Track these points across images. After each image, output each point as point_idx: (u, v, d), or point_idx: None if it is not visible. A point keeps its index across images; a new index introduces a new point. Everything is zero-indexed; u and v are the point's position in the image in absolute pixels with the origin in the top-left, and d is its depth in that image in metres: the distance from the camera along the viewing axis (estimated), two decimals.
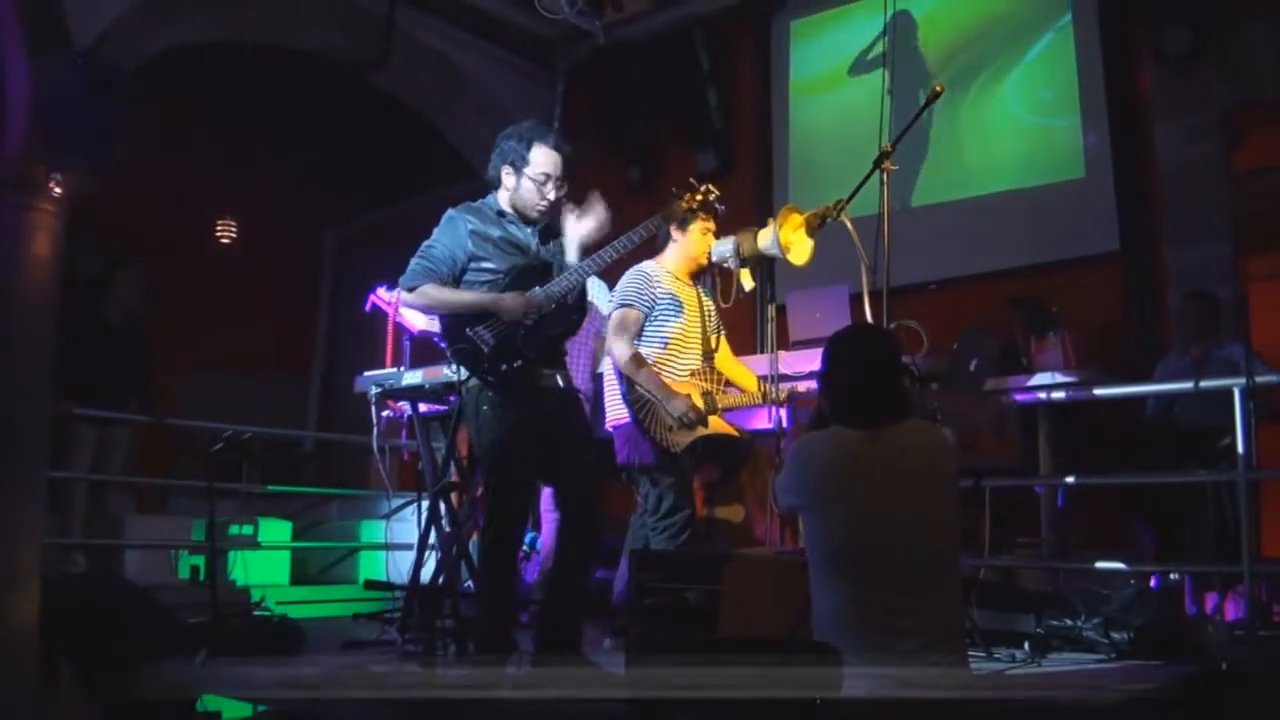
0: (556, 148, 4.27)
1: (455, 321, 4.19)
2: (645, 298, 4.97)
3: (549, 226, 4.34)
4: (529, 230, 4.30)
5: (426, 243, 4.25)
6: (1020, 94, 7.64)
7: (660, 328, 4.99)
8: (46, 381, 6.36)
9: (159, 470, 8.72)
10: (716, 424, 4.98)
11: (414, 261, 4.22)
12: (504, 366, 4.09)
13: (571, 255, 4.27)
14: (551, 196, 4.24)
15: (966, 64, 7.83)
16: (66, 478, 6.78)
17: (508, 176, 4.28)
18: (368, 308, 6.13)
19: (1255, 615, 4.70)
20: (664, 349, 4.97)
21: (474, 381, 4.20)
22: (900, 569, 3.06)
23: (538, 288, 4.15)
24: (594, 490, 4.26)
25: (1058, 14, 7.52)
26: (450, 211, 4.28)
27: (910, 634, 3.01)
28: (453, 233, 4.22)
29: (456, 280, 4.21)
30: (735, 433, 5.06)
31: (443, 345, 4.32)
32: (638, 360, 4.90)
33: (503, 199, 4.32)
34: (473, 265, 4.20)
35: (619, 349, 4.95)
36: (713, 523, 5.20)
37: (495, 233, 4.23)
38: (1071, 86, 7.39)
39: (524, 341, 4.11)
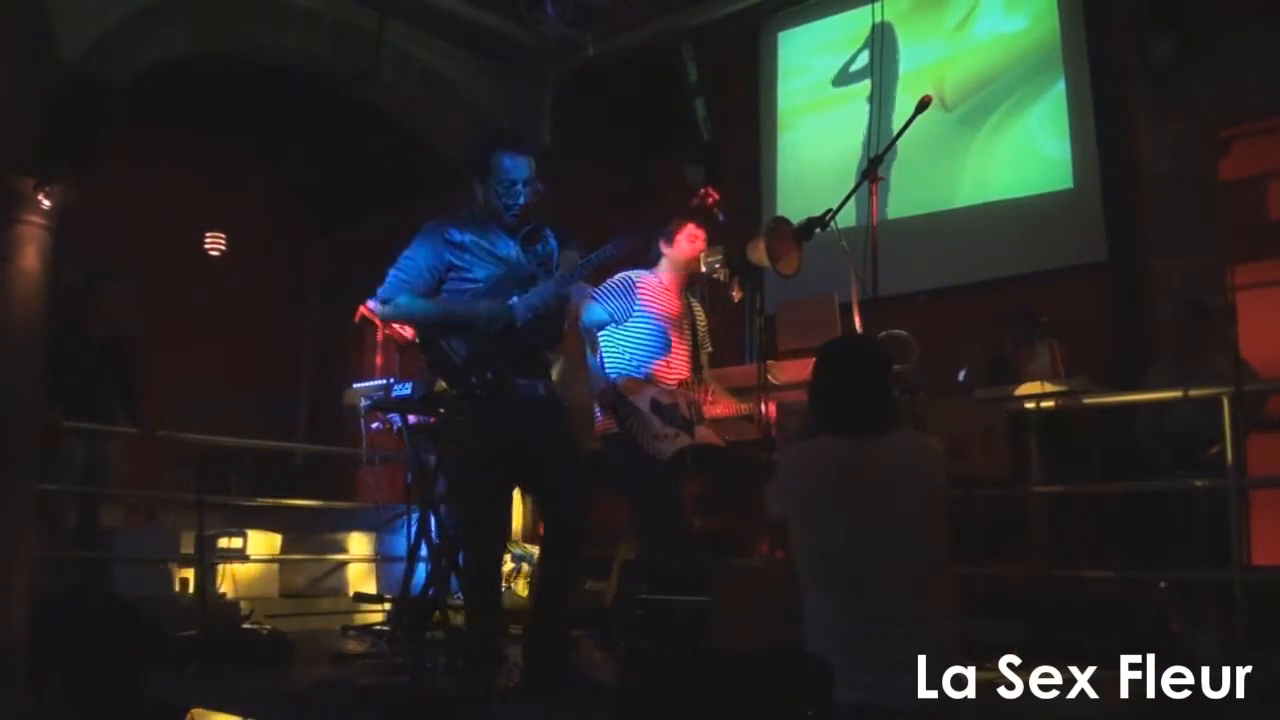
0: (523, 151, 4.22)
1: (430, 333, 4.18)
2: (618, 299, 4.99)
3: (532, 233, 4.31)
4: (511, 238, 4.25)
5: (404, 253, 4.22)
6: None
7: (639, 327, 5.00)
8: (35, 395, 6.36)
9: (148, 483, 8.69)
10: (703, 434, 4.98)
11: (390, 274, 4.20)
12: (474, 378, 4.07)
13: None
14: (521, 201, 4.20)
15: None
16: (55, 491, 6.75)
17: (477, 187, 4.24)
18: (356, 319, 6.12)
19: (1244, 624, 4.70)
20: (648, 360, 4.98)
21: (453, 393, 4.20)
22: (889, 578, 3.06)
23: (515, 298, 4.13)
24: (578, 499, 4.23)
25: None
26: (430, 222, 4.25)
27: (901, 643, 3.00)
28: (430, 243, 4.19)
29: (436, 290, 4.18)
30: (720, 443, 5.06)
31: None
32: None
33: (481, 207, 4.28)
34: (453, 274, 4.17)
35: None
36: (704, 534, 5.19)
37: (475, 241, 4.19)
38: (1060, 103, 7.42)
39: (497, 352, 4.08)
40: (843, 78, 8.50)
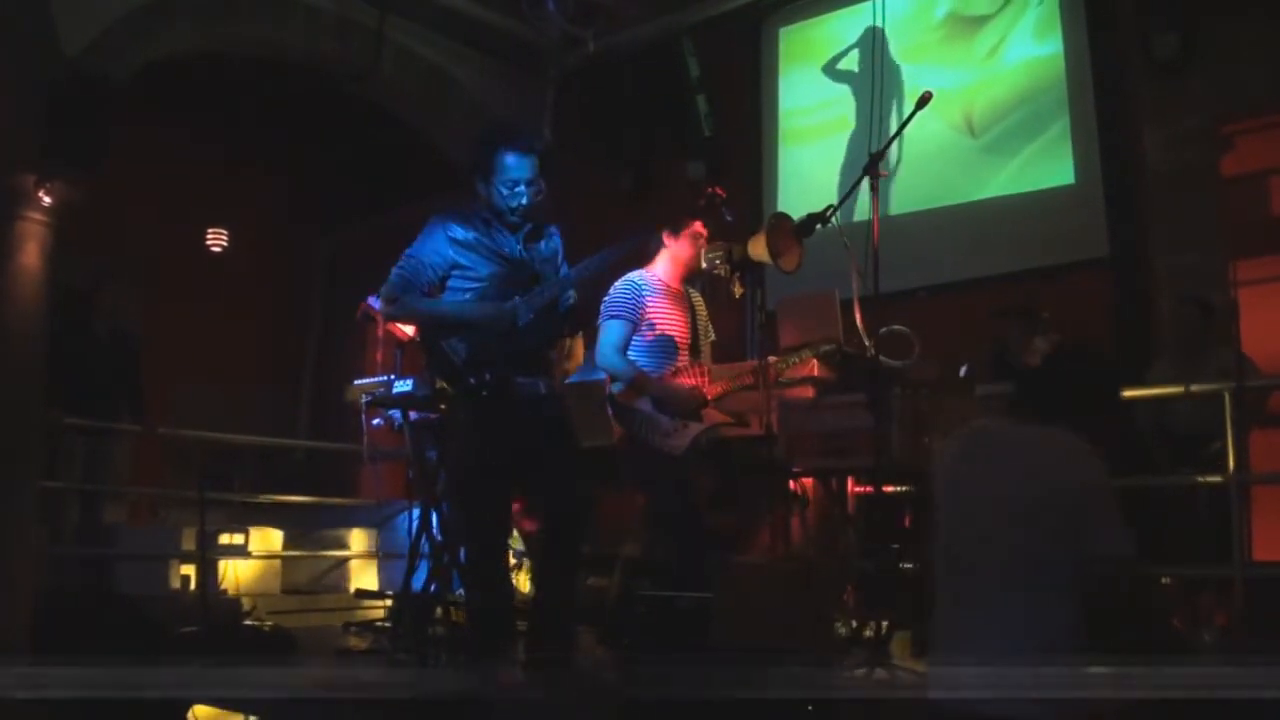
0: (528, 150, 4.17)
1: (432, 332, 4.17)
2: (634, 309, 4.97)
3: (536, 229, 4.28)
4: (514, 236, 4.22)
5: (407, 251, 4.19)
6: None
7: (646, 336, 4.99)
8: (37, 392, 6.36)
9: (150, 480, 8.69)
10: (711, 415, 4.97)
11: (393, 272, 4.17)
12: (473, 379, 4.06)
13: None
14: (524, 201, 4.15)
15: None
16: (58, 489, 6.76)
17: (479, 184, 4.19)
18: (359, 316, 6.11)
19: (1246, 619, 4.71)
20: (649, 356, 4.97)
21: (454, 391, 4.19)
22: (995, 571, 2.98)
23: (518, 298, 4.10)
24: (577, 497, 4.21)
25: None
26: (433, 218, 4.20)
27: (994, 638, 2.93)
28: (433, 241, 4.15)
29: (439, 288, 4.17)
30: (729, 419, 5.04)
31: None
32: (631, 371, 4.91)
33: (485, 204, 4.23)
34: (456, 272, 4.14)
35: (610, 362, 4.95)
36: (709, 530, 5.19)
37: (478, 239, 4.15)
38: (1049, 81, 7.41)
39: (498, 352, 4.05)
40: (842, 76, 8.50)
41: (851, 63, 8.42)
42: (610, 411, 4.99)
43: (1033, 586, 2.93)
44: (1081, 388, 3.20)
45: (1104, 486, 2.96)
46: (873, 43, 7.98)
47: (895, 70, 8.05)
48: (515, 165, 4.13)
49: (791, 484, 5.18)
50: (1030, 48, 7.67)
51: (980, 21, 7.93)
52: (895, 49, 8.11)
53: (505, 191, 4.13)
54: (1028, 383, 3.29)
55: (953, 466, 3.18)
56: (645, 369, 4.96)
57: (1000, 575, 2.95)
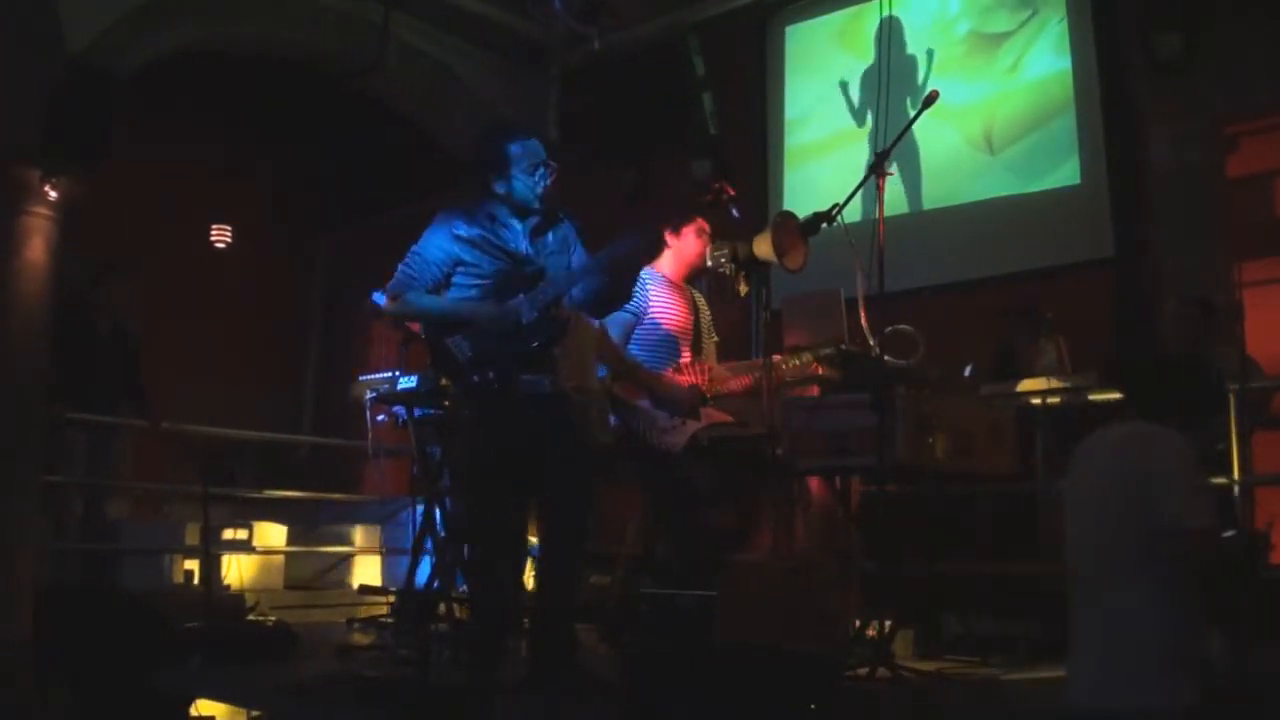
0: (529, 135, 4.22)
1: (436, 330, 4.17)
2: (637, 302, 4.96)
3: (543, 222, 4.27)
4: (520, 231, 4.21)
5: (412, 248, 4.19)
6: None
7: (650, 333, 4.98)
8: (40, 387, 6.37)
9: (154, 476, 8.70)
10: (708, 414, 4.97)
11: (398, 269, 4.17)
12: (476, 377, 4.06)
13: None
14: (548, 181, 4.18)
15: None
16: (61, 484, 6.76)
17: (497, 184, 4.19)
18: (368, 311, 6.10)
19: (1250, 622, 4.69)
20: (652, 353, 4.96)
21: (458, 388, 4.18)
22: (1089, 569, 3.02)
23: (522, 295, 4.09)
24: (580, 495, 4.20)
25: None
26: (438, 215, 4.21)
27: (1076, 640, 2.97)
28: (437, 238, 4.15)
29: (444, 285, 4.16)
30: (728, 418, 5.04)
31: None
32: (630, 362, 4.90)
33: (495, 200, 4.22)
34: (460, 269, 4.14)
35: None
36: (710, 529, 5.19)
37: (483, 236, 4.14)
38: (1068, 98, 7.40)
39: (502, 350, 4.05)
40: (852, 76, 8.50)
41: (865, 57, 8.42)
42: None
43: (1137, 573, 2.92)
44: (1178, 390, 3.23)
45: (1179, 464, 2.96)
46: (880, 41, 7.98)
47: (913, 80, 8.05)
48: (528, 151, 4.17)
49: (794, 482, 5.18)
50: (1049, 63, 7.63)
51: (1000, 39, 7.92)
52: (916, 62, 8.12)
53: (529, 179, 4.15)
54: (1131, 384, 3.33)
55: (1070, 474, 3.23)
56: (647, 343, 4.96)
57: (1108, 566, 2.96)
